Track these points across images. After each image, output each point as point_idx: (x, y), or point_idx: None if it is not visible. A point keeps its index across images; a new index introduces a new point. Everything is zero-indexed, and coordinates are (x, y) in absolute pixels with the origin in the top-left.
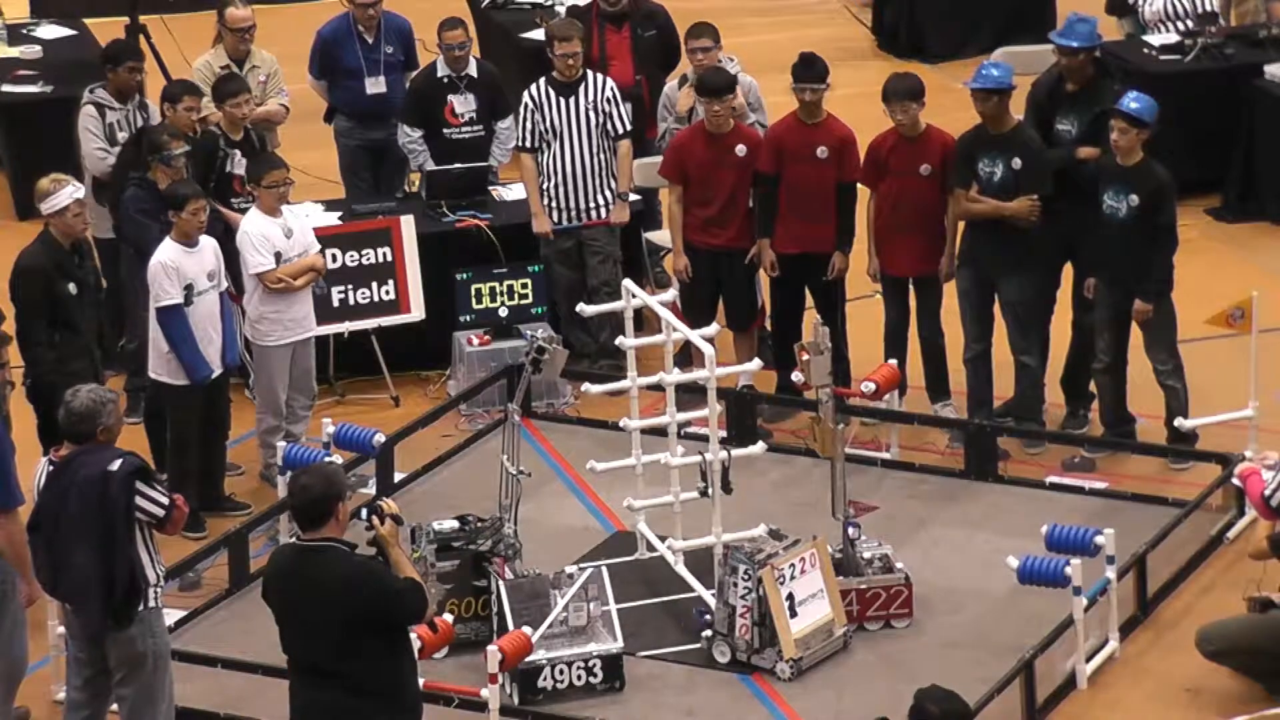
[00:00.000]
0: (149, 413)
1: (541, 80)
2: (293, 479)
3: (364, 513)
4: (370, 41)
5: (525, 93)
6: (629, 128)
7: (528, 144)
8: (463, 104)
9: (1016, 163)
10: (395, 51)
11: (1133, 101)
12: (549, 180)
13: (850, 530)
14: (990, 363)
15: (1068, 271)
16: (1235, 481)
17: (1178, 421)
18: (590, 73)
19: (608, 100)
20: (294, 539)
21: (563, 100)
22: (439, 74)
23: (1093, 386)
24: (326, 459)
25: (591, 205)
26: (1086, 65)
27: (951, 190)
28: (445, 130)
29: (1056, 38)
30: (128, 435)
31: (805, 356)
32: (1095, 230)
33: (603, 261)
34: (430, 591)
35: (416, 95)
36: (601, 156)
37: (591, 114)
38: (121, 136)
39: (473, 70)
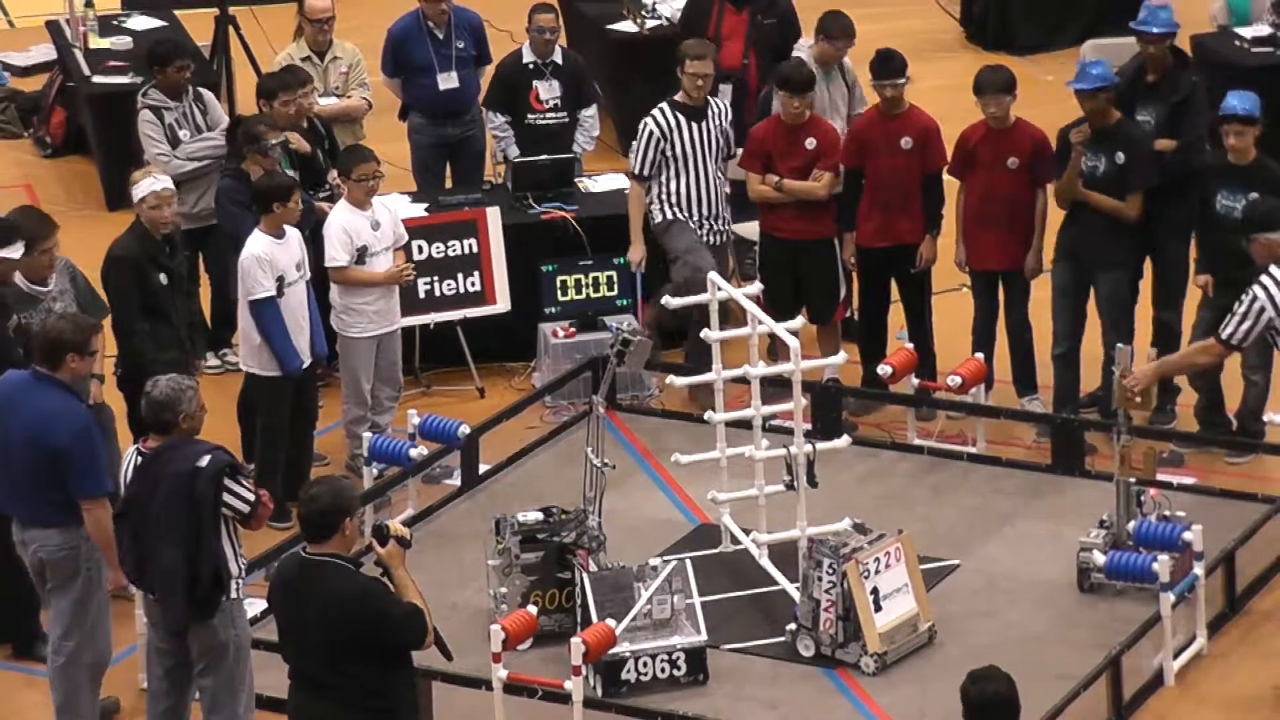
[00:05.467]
0: (241, 404)
1: (666, 106)
2: (304, 488)
3: (369, 532)
4: (441, 37)
5: (650, 119)
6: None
7: (643, 172)
8: (547, 90)
9: (1120, 157)
10: (467, 46)
11: (1240, 101)
12: (676, 203)
13: (1141, 498)
14: (1079, 359)
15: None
16: None
17: (1268, 415)
18: (711, 99)
19: (731, 124)
20: (300, 550)
21: (693, 125)
22: (525, 60)
23: (1178, 381)
24: (411, 450)
25: (715, 226)
26: (1165, 54)
27: (1053, 181)
28: (530, 116)
29: (1137, 25)
30: (214, 426)
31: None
32: (1207, 232)
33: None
34: (429, 619)
35: (502, 80)
36: (722, 176)
37: (720, 139)
38: (183, 134)
39: (558, 58)
